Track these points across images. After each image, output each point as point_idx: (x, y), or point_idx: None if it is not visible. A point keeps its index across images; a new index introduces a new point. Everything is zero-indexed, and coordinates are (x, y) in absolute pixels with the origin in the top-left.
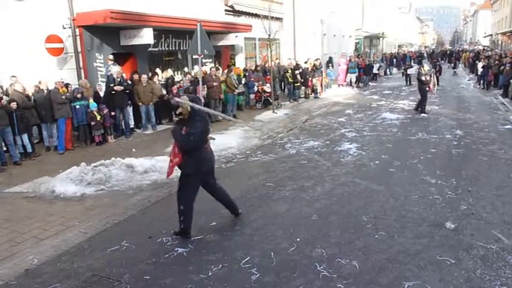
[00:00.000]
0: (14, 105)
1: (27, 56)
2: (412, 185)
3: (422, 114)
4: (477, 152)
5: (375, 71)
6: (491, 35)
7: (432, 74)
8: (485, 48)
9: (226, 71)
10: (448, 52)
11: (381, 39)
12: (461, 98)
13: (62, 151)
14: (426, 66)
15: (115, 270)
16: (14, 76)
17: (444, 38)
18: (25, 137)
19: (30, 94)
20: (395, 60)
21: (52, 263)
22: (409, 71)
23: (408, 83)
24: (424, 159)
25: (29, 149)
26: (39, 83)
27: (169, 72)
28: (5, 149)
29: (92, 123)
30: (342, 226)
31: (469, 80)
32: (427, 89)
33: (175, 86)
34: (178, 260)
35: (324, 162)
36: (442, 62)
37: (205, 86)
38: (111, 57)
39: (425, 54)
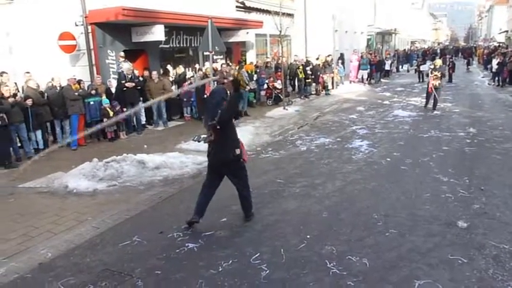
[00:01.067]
0: (29, 101)
1: (41, 53)
2: (424, 183)
3: (435, 112)
4: (490, 150)
5: (387, 67)
6: (506, 31)
7: (443, 72)
8: (501, 44)
9: (237, 67)
10: (461, 48)
11: (393, 35)
12: (474, 95)
13: (75, 147)
14: (439, 62)
15: (126, 264)
16: (28, 72)
17: (459, 35)
18: (38, 133)
19: (43, 91)
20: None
21: (65, 257)
22: (422, 68)
23: (420, 80)
24: (436, 157)
25: (41, 145)
26: (52, 79)
27: (181, 68)
28: (19, 145)
29: (105, 119)
30: (353, 223)
31: (483, 77)
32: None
33: (186, 83)
34: (188, 255)
35: (335, 159)
36: (456, 58)
37: (216, 82)
38: (122, 54)
39: (438, 51)
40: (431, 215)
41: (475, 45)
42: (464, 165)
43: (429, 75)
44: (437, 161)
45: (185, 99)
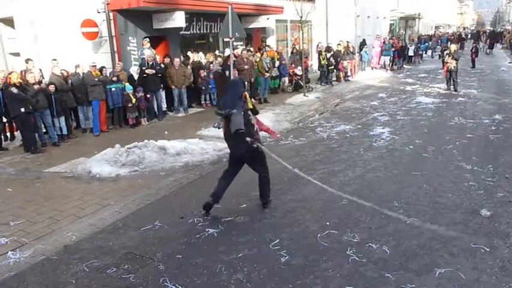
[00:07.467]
0: (52, 88)
1: (65, 40)
2: (446, 171)
3: (459, 98)
4: None
5: (410, 53)
6: None
7: (458, 56)
8: None
9: (257, 53)
10: (486, 32)
11: (417, 20)
12: (501, 81)
13: (98, 133)
14: (453, 47)
15: (148, 248)
16: (54, 60)
17: (485, 19)
18: (62, 119)
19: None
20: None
21: (89, 240)
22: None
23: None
24: (460, 145)
25: (65, 131)
26: (75, 67)
27: (200, 55)
28: (44, 130)
29: (129, 105)
30: (373, 211)
31: (510, 63)
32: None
33: (203, 70)
34: (208, 240)
35: (356, 147)
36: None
37: (236, 69)
38: (147, 40)
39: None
40: (454, 203)
41: (502, 29)
42: (489, 153)
43: (444, 59)
44: (460, 148)
45: (203, 88)
